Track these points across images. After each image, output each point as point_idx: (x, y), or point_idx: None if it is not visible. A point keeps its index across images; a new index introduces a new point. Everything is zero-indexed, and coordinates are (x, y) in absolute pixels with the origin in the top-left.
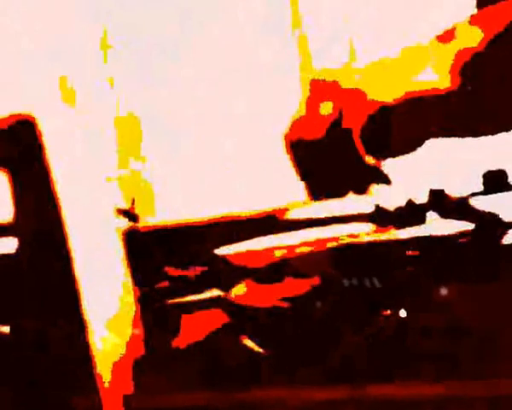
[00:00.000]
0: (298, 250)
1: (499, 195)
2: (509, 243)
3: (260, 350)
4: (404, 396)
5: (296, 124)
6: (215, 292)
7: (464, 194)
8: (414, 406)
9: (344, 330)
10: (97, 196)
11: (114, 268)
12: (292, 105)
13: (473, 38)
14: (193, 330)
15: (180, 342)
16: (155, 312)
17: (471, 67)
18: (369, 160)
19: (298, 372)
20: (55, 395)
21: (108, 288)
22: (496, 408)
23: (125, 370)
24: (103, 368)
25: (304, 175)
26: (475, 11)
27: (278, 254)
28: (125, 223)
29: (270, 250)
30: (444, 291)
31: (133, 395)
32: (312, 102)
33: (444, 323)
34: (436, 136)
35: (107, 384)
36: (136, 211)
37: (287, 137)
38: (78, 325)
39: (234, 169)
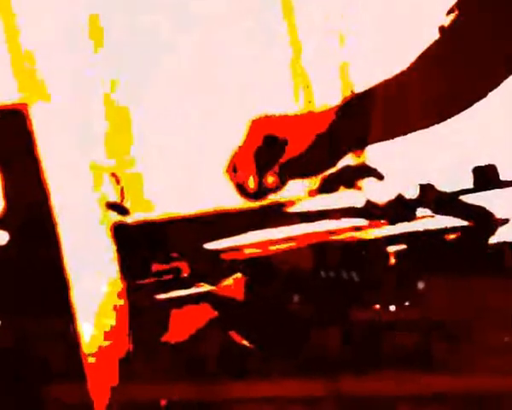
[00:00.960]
0: (287, 245)
1: (491, 191)
2: (499, 240)
3: (247, 344)
4: (381, 391)
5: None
6: (204, 287)
7: (455, 189)
8: (391, 400)
9: (328, 324)
10: (87, 189)
11: (103, 262)
12: (282, 97)
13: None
14: (181, 325)
15: (168, 337)
16: (143, 306)
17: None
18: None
19: (280, 366)
20: (40, 386)
21: (97, 281)
22: (472, 404)
23: (112, 361)
24: (90, 359)
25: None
26: None
27: (268, 248)
28: (114, 216)
29: (261, 245)
30: (427, 285)
31: (119, 386)
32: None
33: (426, 318)
34: (423, 130)
35: (93, 375)
36: (126, 204)
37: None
38: (65, 317)
39: (224, 163)
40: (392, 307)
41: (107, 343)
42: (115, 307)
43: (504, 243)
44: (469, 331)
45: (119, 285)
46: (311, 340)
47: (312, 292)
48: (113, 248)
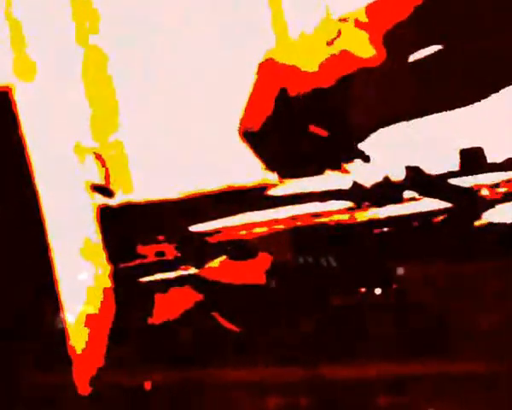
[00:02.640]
0: (272, 227)
1: (476, 174)
2: (485, 221)
3: (231, 327)
4: (360, 376)
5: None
6: (189, 270)
7: (442, 172)
8: (369, 385)
9: (305, 311)
10: (72, 171)
11: (88, 243)
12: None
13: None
14: (166, 307)
15: (153, 319)
16: (128, 289)
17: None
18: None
19: (259, 352)
20: (27, 369)
21: (82, 263)
22: (454, 386)
23: (96, 344)
24: (76, 342)
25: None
26: None
27: (253, 231)
28: (99, 198)
29: (245, 227)
30: (408, 269)
31: (102, 369)
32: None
33: (406, 302)
34: (410, 112)
35: (79, 358)
36: (111, 187)
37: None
38: (51, 300)
39: (209, 145)
40: (376, 291)
41: (92, 326)
42: (101, 290)
43: (490, 224)
44: (451, 316)
45: (105, 268)
46: (289, 326)
47: (292, 277)
48: (98, 230)
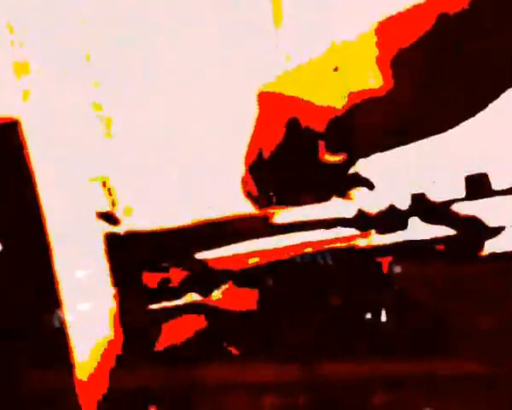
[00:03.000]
0: (279, 255)
1: (482, 200)
2: (490, 249)
3: (235, 351)
4: (358, 374)
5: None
6: (195, 297)
7: (447, 199)
8: (366, 384)
9: (304, 311)
10: (80, 198)
11: (96, 272)
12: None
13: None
14: (172, 334)
15: (159, 346)
16: (135, 317)
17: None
18: (347, 163)
19: (254, 350)
20: (28, 370)
21: (89, 291)
22: (453, 386)
23: (103, 372)
24: (82, 371)
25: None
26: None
27: (259, 258)
28: (106, 226)
29: (252, 254)
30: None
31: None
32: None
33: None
34: (415, 138)
35: (84, 386)
36: (117, 214)
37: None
38: (58, 329)
39: (214, 173)
40: (375, 292)
41: (99, 353)
42: (108, 318)
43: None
44: (449, 316)
45: (112, 296)
46: (285, 327)
47: (288, 277)
48: (105, 257)
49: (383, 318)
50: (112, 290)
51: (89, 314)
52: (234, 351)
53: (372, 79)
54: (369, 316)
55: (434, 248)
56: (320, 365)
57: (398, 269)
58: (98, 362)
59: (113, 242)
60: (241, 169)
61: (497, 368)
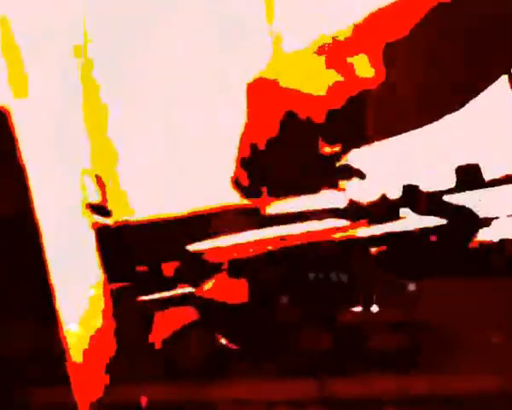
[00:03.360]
0: (271, 246)
1: (473, 191)
2: (480, 239)
3: (231, 345)
4: (366, 392)
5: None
6: (186, 288)
7: (438, 190)
8: (376, 401)
9: (311, 326)
10: (70, 191)
11: (87, 264)
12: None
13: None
14: (165, 326)
15: (152, 338)
16: (127, 308)
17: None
18: (339, 154)
19: (263, 367)
20: (26, 388)
21: (81, 283)
22: (458, 404)
23: (96, 364)
24: (75, 362)
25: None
26: None
27: (252, 249)
28: (97, 218)
29: (242, 246)
30: (412, 287)
31: (103, 387)
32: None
33: (411, 319)
34: (407, 128)
35: (79, 377)
36: (109, 206)
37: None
38: (49, 319)
39: (205, 164)
40: (376, 308)
41: (92, 346)
42: (100, 310)
43: (488, 242)
44: (454, 333)
45: (104, 288)
46: (296, 342)
47: (298, 294)
48: (96, 250)
49: (390, 334)
50: (103, 280)
51: (80, 303)
52: (233, 346)
53: (363, 70)
54: (377, 332)
55: (426, 239)
56: (330, 381)
57: (412, 287)
58: (91, 353)
59: (103, 234)
60: (233, 161)
61: (506, 384)
